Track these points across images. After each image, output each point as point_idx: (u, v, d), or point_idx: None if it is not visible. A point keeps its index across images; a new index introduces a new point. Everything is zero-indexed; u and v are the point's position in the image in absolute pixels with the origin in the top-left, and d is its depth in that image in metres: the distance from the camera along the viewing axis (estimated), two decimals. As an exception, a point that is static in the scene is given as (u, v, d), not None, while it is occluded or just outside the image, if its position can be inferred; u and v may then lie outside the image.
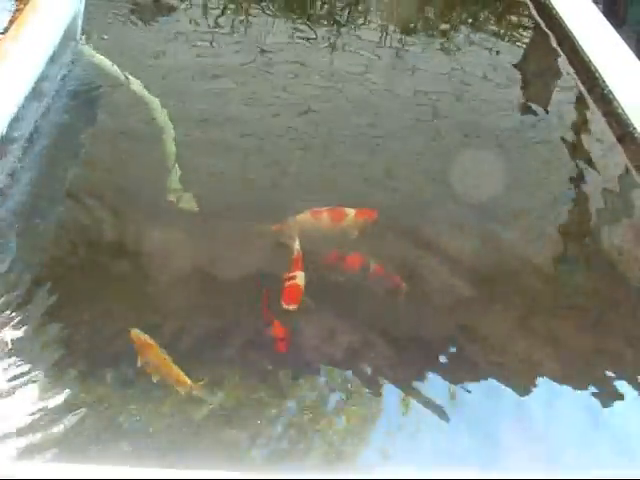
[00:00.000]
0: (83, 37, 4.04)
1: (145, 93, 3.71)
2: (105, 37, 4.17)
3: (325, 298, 2.73)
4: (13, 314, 2.46)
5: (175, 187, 3.18)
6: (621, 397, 2.52)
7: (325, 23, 4.81)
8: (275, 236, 2.97)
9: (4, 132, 2.87)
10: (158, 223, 3.05)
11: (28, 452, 2.07)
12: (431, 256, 2.99)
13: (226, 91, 3.89)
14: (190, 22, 4.56)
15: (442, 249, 3.02)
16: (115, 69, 3.86)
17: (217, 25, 4.58)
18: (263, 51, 4.27)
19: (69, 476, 1.77)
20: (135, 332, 2.45)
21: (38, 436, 2.11)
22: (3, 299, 2.49)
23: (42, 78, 3.32)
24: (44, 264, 2.77)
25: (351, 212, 3.00)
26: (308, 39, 4.52)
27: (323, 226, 2.99)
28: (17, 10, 3.57)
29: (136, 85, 3.75)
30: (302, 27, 4.65)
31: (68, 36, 3.70)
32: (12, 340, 2.37)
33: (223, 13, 4.73)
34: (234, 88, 3.93)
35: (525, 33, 4.97)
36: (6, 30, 3.40)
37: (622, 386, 2.55)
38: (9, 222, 2.83)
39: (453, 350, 2.65)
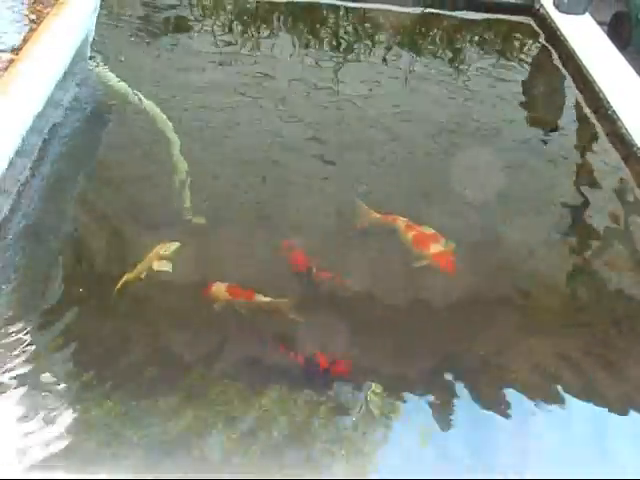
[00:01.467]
0: (96, 57, 4.09)
1: (156, 111, 3.76)
2: (122, 59, 4.24)
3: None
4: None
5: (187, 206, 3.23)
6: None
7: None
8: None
9: (17, 148, 2.91)
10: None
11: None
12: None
13: (238, 108, 3.95)
14: (201, 42, 4.65)
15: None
16: (125, 87, 3.91)
17: (228, 45, 4.67)
18: (268, 75, 4.34)
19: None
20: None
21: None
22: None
23: (53, 96, 3.37)
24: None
25: (434, 250, 2.91)
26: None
27: (406, 239, 3.00)
28: (30, 30, 3.63)
29: (146, 103, 3.80)
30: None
31: (79, 55, 3.76)
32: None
33: (231, 31, 4.82)
34: (245, 106, 3.99)
35: (530, 54, 5.01)
36: (19, 49, 3.46)
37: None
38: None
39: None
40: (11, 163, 2.83)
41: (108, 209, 3.19)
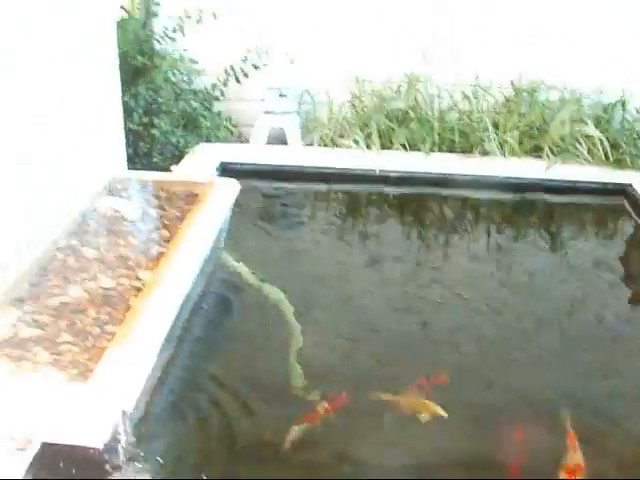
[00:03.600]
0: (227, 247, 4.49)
1: (279, 298, 4.08)
2: (249, 248, 4.66)
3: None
4: None
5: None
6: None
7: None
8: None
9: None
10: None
11: None
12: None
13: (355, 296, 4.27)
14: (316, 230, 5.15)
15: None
16: (250, 273, 4.28)
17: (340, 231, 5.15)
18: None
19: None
20: None
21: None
22: None
23: (196, 281, 3.77)
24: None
25: None
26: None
27: None
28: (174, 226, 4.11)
29: (271, 291, 4.14)
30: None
31: (216, 247, 4.21)
32: None
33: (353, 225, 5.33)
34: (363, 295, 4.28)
35: (626, 234, 5.27)
36: (168, 240, 3.92)
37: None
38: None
39: None
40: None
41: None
